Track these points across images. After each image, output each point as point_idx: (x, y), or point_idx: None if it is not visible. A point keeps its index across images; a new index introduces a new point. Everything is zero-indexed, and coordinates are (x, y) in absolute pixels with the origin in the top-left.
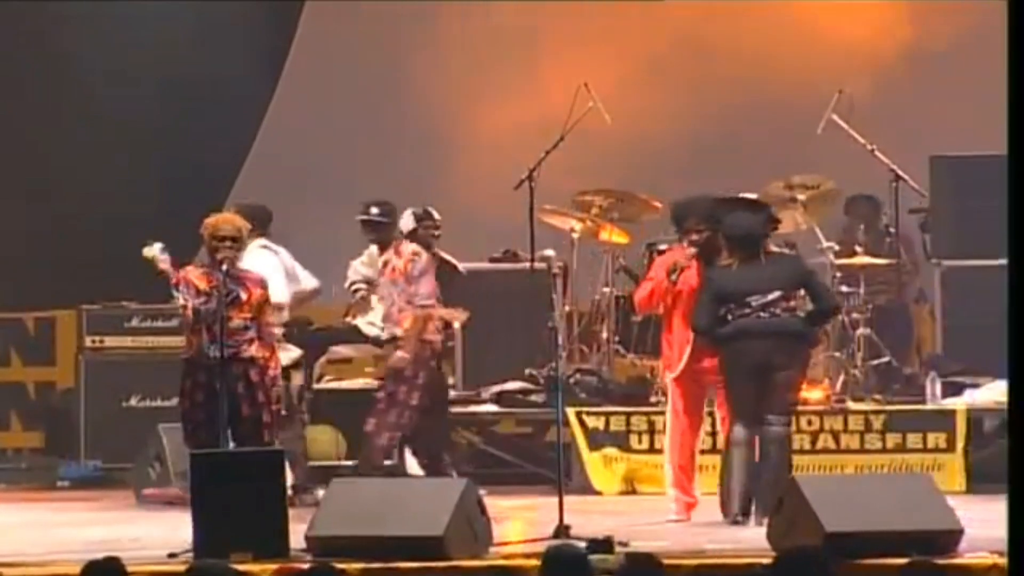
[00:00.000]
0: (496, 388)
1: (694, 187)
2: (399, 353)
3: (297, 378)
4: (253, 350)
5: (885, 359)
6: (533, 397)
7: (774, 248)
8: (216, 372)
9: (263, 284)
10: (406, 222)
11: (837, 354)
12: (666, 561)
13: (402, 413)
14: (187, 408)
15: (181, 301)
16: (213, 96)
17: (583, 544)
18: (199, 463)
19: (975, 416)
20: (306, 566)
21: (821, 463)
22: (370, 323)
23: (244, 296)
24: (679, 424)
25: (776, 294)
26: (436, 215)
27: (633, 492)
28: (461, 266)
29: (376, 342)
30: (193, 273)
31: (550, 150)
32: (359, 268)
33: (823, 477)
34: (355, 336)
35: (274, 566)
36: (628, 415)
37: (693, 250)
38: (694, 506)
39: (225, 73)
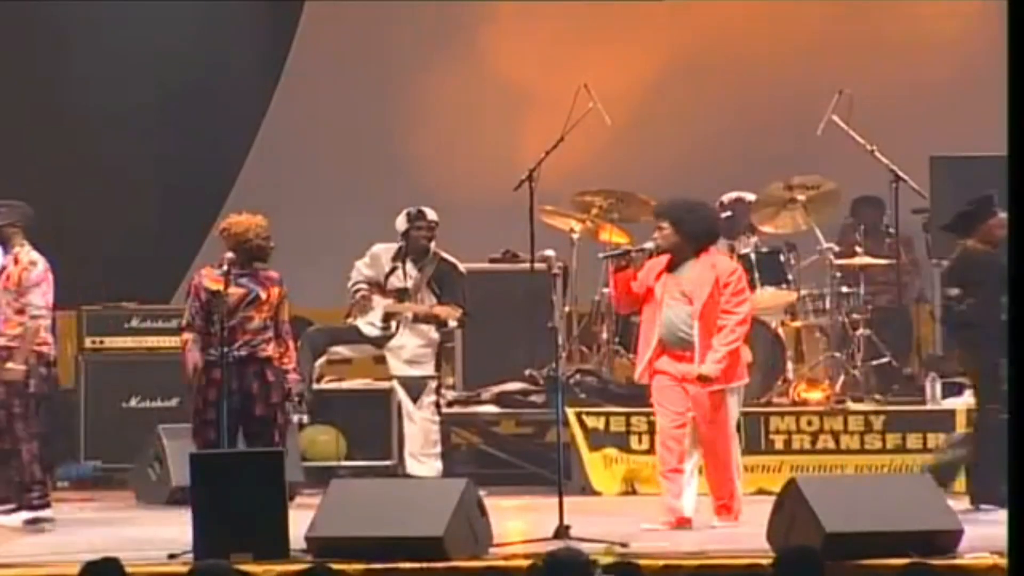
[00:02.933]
0: (496, 389)
1: (694, 187)
2: (10, 365)
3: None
4: (270, 349)
5: (885, 359)
6: (533, 398)
7: (978, 245)
8: (233, 371)
9: (279, 282)
10: (399, 223)
11: (837, 354)
12: (666, 562)
13: (28, 424)
14: (199, 406)
15: (188, 315)
16: (213, 96)
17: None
18: (199, 463)
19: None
20: (306, 567)
21: (821, 463)
22: (370, 323)
23: (264, 296)
24: (659, 432)
25: (953, 291)
26: (431, 215)
27: (633, 493)
28: (461, 266)
29: (376, 342)
30: (208, 277)
31: (550, 150)
32: (362, 269)
33: (823, 477)
34: (355, 336)
35: (274, 567)
36: (628, 416)
37: (651, 245)
38: (684, 522)
39: (225, 73)
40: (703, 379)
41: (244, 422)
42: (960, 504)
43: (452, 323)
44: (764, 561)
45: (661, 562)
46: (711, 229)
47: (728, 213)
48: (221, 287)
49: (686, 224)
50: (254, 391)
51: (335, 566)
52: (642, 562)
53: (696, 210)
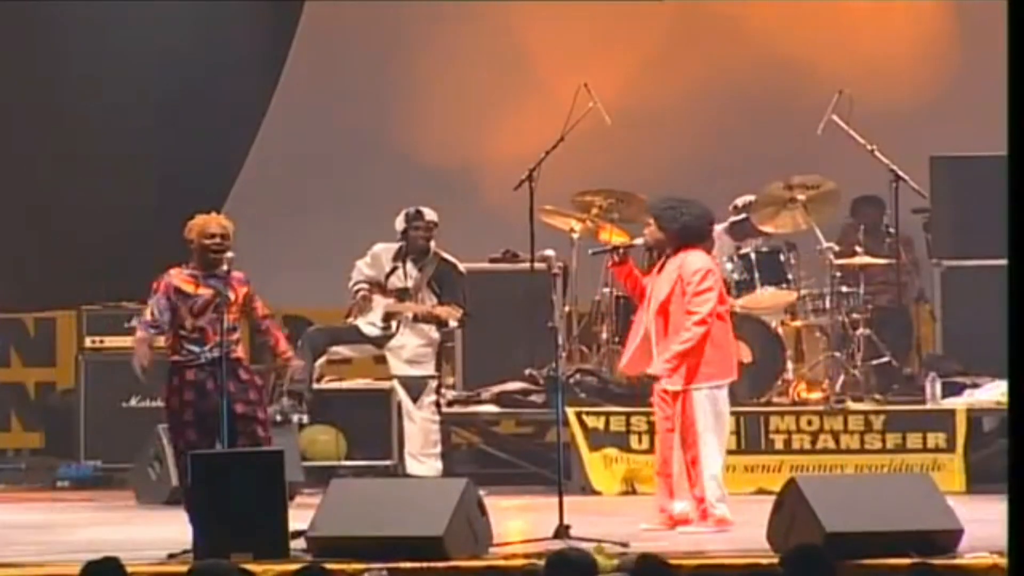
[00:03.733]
0: (496, 388)
1: (694, 187)
2: None
3: None
4: (240, 350)
5: (885, 359)
6: (533, 397)
7: None
8: (208, 372)
9: (246, 282)
10: (398, 223)
11: (837, 354)
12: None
13: None
14: (175, 407)
15: (148, 311)
16: (213, 96)
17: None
18: (198, 463)
19: (975, 416)
20: (303, 566)
21: (821, 463)
22: (370, 323)
23: (232, 297)
24: (656, 433)
25: None
26: (429, 215)
27: (633, 492)
28: (461, 266)
29: (376, 342)
30: (177, 278)
31: (550, 150)
32: (363, 268)
33: (823, 477)
34: (355, 336)
35: (274, 566)
36: (628, 415)
37: (640, 241)
38: (674, 524)
39: (225, 73)
40: (651, 377)
41: (228, 422)
42: (960, 504)
43: (452, 323)
44: (764, 561)
45: None
46: (687, 227)
47: (742, 216)
48: (192, 288)
49: (663, 221)
50: (231, 390)
51: (335, 566)
52: None
53: (675, 207)
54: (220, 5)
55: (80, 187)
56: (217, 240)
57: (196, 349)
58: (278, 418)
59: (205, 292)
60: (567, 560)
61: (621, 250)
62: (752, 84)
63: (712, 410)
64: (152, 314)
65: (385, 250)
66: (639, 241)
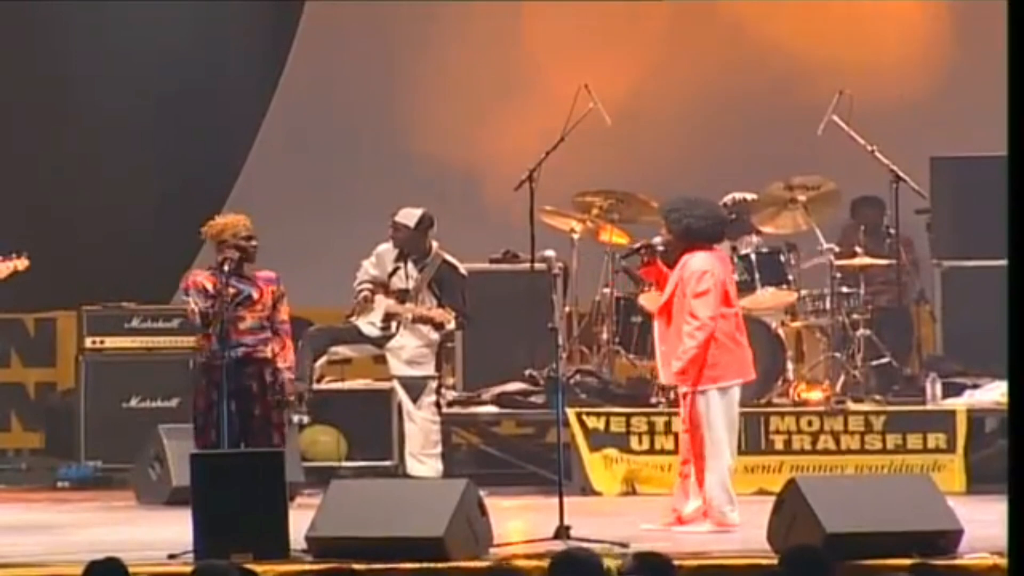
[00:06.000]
0: (496, 389)
1: (694, 187)
2: None
3: None
4: (268, 350)
5: (885, 360)
6: (533, 398)
7: None
8: (231, 372)
9: (275, 281)
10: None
11: (837, 355)
12: None
13: None
14: (201, 408)
15: (191, 306)
16: (213, 96)
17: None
18: (199, 464)
19: (976, 417)
20: (306, 567)
21: (821, 464)
22: (370, 323)
23: (256, 295)
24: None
25: None
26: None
27: (633, 493)
28: (462, 268)
29: (376, 342)
30: (201, 276)
31: (550, 151)
32: (368, 268)
33: (823, 478)
34: (355, 336)
35: (275, 567)
36: (628, 416)
37: (657, 240)
38: (679, 524)
39: (225, 73)
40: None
41: (244, 422)
42: (960, 505)
43: (450, 325)
44: (764, 561)
45: None
46: (691, 229)
47: (731, 215)
48: (212, 285)
49: (669, 223)
50: (253, 391)
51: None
52: None
53: (680, 209)
54: (220, 5)
55: (80, 187)
56: (252, 239)
57: (219, 349)
58: None
59: (226, 292)
60: (572, 561)
61: (649, 249)
62: (752, 84)
63: (719, 412)
64: (203, 307)
65: (388, 250)
66: (656, 239)
